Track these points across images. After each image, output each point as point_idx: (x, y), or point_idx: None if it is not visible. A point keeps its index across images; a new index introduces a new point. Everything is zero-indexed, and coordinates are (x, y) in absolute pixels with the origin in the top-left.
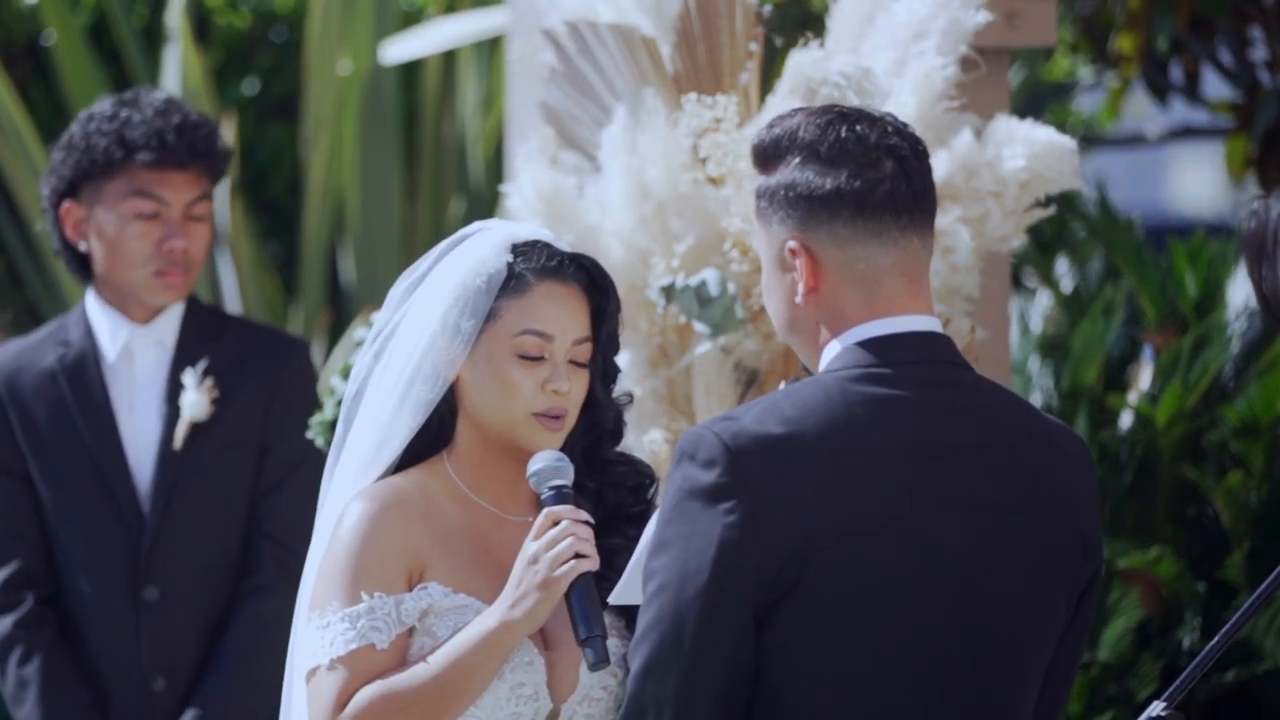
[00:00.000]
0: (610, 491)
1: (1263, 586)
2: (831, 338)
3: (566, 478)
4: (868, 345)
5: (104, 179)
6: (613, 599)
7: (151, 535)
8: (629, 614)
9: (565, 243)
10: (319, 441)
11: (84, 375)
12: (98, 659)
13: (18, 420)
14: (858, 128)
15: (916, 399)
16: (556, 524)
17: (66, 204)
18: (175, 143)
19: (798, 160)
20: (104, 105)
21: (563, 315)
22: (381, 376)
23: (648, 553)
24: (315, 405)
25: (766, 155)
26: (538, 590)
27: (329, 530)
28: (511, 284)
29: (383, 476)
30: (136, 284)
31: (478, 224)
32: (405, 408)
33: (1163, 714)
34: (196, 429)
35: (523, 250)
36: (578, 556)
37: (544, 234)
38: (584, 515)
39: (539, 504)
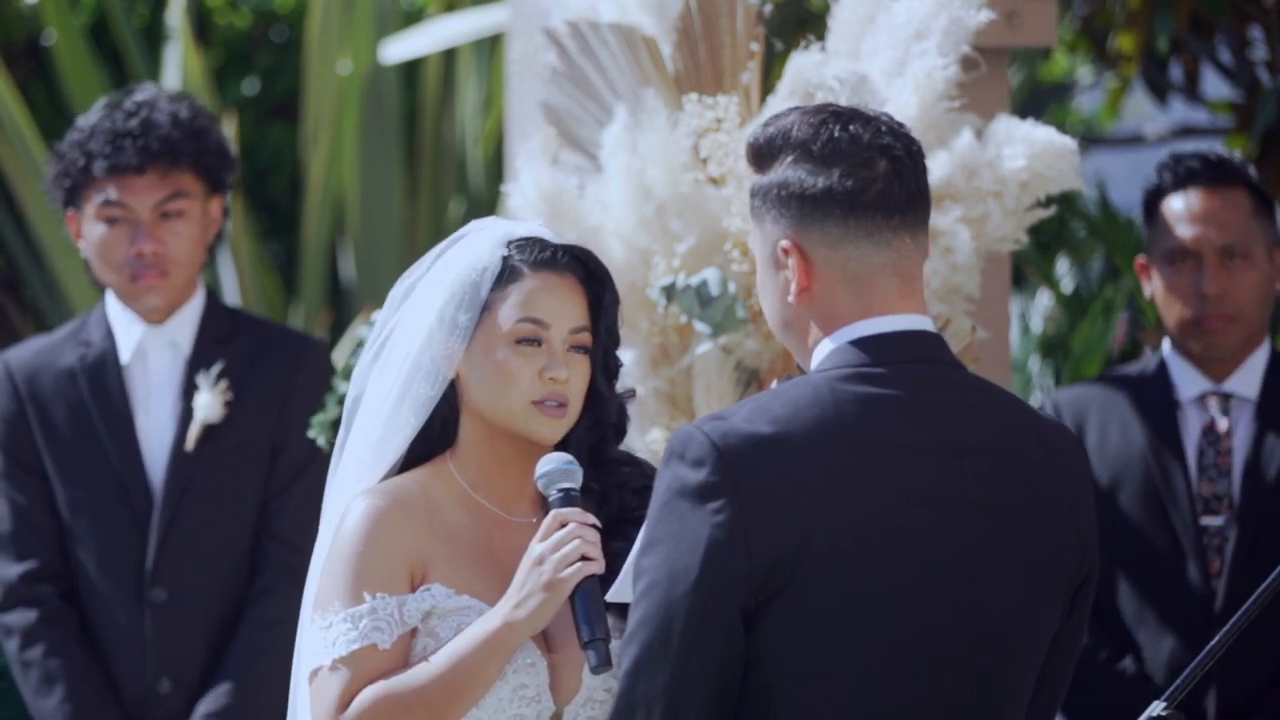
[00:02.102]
0: (615, 494)
1: (1263, 587)
2: (823, 337)
3: (575, 481)
4: (859, 344)
5: (82, 188)
6: (609, 596)
7: (160, 536)
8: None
9: (564, 239)
10: (320, 441)
11: (103, 375)
12: (105, 658)
13: (36, 418)
14: (851, 127)
15: (907, 398)
16: (564, 526)
17: (69, 212)
18: (129, 147)
19: (791, 159)
20: (94, 109)
21: (558, 304)
22: (381, 375)
23: (637, 551)
24: None
25: (761, 154)
26: (543, 591)
27: (331, 530)
28: (506, 276)
29: (386, 477)
30: (118, 289)
31: (476, 222)
32: (405, 405)
33: (1163, 714)
34: (209, 431)
35: (518, 245)
36: (584, 559)
37: (541, 231)
38: (591, 518)
39: (543, 505)
